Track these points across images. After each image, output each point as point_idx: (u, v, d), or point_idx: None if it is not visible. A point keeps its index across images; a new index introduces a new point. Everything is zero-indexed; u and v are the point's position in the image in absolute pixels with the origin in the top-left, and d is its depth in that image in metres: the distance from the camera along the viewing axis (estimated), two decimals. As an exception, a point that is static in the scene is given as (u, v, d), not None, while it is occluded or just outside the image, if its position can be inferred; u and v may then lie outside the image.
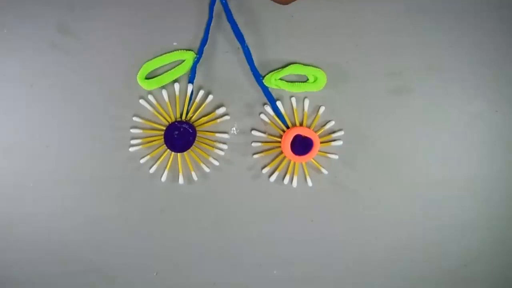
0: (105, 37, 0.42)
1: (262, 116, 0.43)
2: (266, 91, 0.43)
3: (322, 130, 0.43)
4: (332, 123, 0.43)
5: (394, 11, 0.43)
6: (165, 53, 0.42)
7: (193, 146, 0.42)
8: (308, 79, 0.43)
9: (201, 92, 0.43)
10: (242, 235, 0.44)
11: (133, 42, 0.42)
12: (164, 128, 0.42)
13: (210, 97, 0.43)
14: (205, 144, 0.43)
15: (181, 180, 0.43)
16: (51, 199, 0.44)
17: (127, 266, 0.45)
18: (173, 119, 0.42)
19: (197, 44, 0.42)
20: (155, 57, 0.42)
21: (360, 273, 0.46)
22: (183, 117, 0.42)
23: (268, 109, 0.43)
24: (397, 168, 0.44)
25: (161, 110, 0.43)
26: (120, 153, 0.43)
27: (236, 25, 0.41)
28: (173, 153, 0.43)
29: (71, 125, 0.43)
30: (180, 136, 0.41)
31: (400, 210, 0.45)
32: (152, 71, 0.42)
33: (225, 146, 0.43)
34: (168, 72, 0.42)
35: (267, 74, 0.43)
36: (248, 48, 0.42)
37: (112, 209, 0.44)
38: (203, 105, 0.43)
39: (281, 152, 0.43)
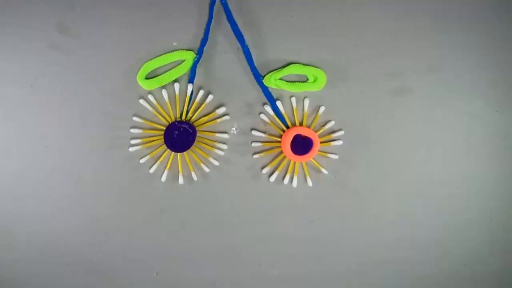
0: (105, 37, 0.42)
1: (262, 116, 0.43)
2: (266, 91, 0.43)
3: (322, 130, 0.43)
4: (332, 123, 0.43)
5: (394, 12, 0.43)
6: (165, 53, 0.42)
7: (193, 146, 0.42)
8: (308, 79, 0.43)
9: (201, 92, 0.43)
10: (242, 235, 0.44)
11: (133, 42, 0.42)
12: (164, 128, 0.42)
13: (210, 97, 0.43)
14: (205, 144, 0.43)
15: (181, 180, 0.43)
16: (51, 199, 0.44)
17: (127, 266, 0.45)
18: (173, 119, 0.42)
19: (197, 44, 0.42)
20: (155, 57, 0.42)
21: (360, 273, 0.46)
22: (183, 117, 0.42)
23: (268, 109, 0.43)
24: (397, 168, 0.44)
25: (161, 110, 0.43)
26: (120, 153, 0.43)
27: (236, 25, 0.41)
28: (173, 153, 0.43)
29: (71, 125, 0.43)
30: (180, 136, 0.41)
31: (400, 210, 0.45)
32: (152, 71, 0.42)
33: (225, 146, 0.43)
34: (168, 72, 0.42)
35: (267, 74, 0.43)
36: (248, 48, 0.42)
37: (112, 209, 0.44)
38: (203, 105, 0.43)
39: (281, 152, 0.43)
